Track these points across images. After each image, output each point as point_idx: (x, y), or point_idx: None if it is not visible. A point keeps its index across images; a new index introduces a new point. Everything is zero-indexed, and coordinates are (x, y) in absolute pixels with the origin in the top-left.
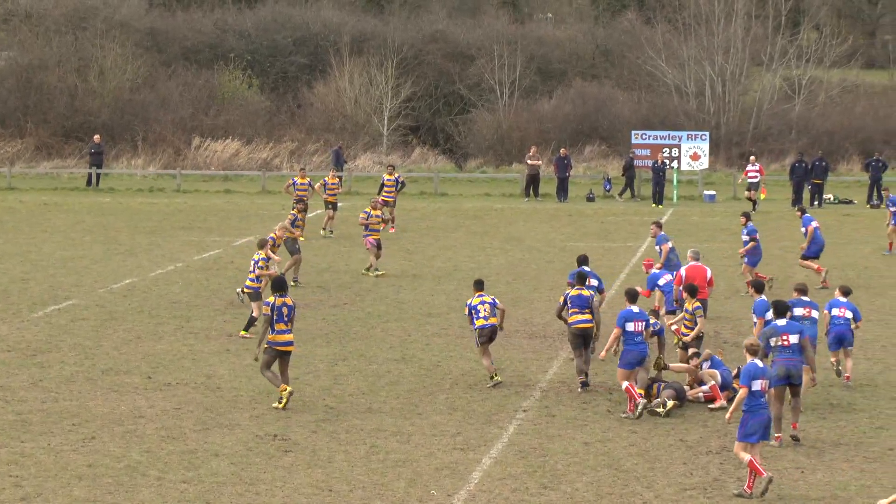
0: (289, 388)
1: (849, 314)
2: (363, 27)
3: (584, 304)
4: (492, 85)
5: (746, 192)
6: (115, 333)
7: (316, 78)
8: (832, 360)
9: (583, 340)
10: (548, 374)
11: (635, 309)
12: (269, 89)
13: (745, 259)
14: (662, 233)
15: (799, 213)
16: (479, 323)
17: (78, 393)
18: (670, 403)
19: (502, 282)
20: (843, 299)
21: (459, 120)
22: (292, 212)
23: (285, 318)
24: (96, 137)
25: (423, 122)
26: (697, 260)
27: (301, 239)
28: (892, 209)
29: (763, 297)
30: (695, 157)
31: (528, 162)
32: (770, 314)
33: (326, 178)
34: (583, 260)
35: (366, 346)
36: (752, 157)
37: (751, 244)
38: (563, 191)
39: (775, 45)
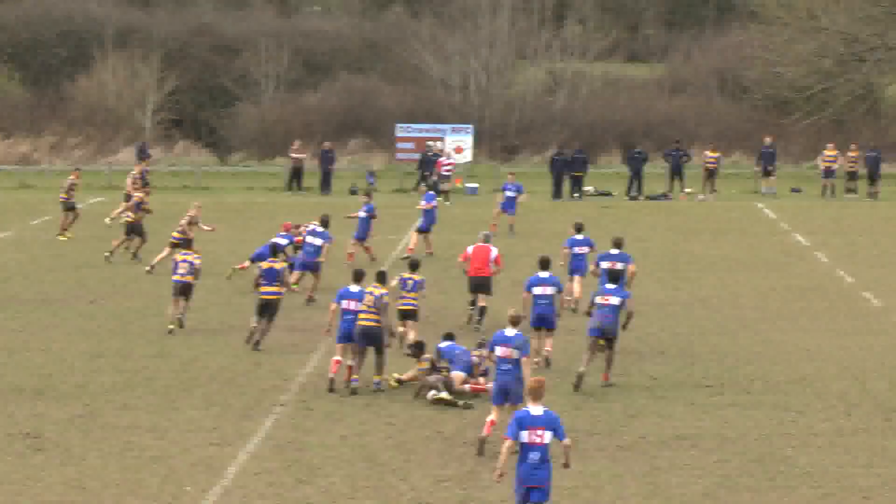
0: None
1: (550, 290)
2: (128, 20)
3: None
4: (257, 78)
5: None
6: None
7: (79, 71)
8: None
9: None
10: (306, 367)
11: (354, 289)
12: (30, 82)
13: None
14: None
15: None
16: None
17: None
18: (445, 394)
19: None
20: (614, 251)
21: (224, 113)
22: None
23: None
24: None
25: (188, 115)
26: (486, 241)
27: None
28: (508, 194)
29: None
30: (458, 150)
31: (292, 155)
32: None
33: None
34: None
35: (123, 341)
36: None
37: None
38: (326, 184)
39: (540, 38)
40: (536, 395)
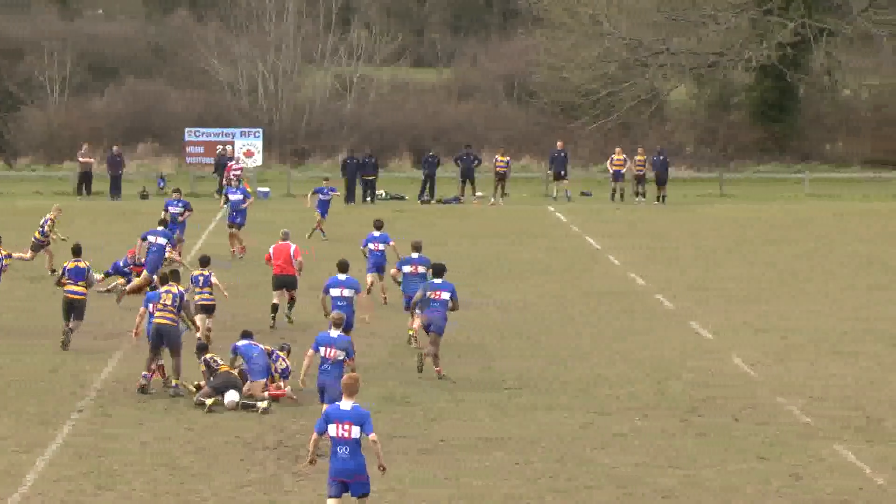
0: None
1: (348, 292)
2: None
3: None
4: (42, 82)
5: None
6: None
7: None
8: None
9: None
10: (102, 373)
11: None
12: None
13: None
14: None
15: None
16: None
17: None
18: (209, 401)
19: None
20: (414, 255)
21: (9, 117)
22: None
23: None
24: None
25: None
26: (286, 239)
27: None
28: (323, 197)
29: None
30: (249, 154)
31: (80, 160)
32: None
33: None
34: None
35: None
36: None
37: None
38: (116, 188)
39: (326, 43)
40: (350, 390)
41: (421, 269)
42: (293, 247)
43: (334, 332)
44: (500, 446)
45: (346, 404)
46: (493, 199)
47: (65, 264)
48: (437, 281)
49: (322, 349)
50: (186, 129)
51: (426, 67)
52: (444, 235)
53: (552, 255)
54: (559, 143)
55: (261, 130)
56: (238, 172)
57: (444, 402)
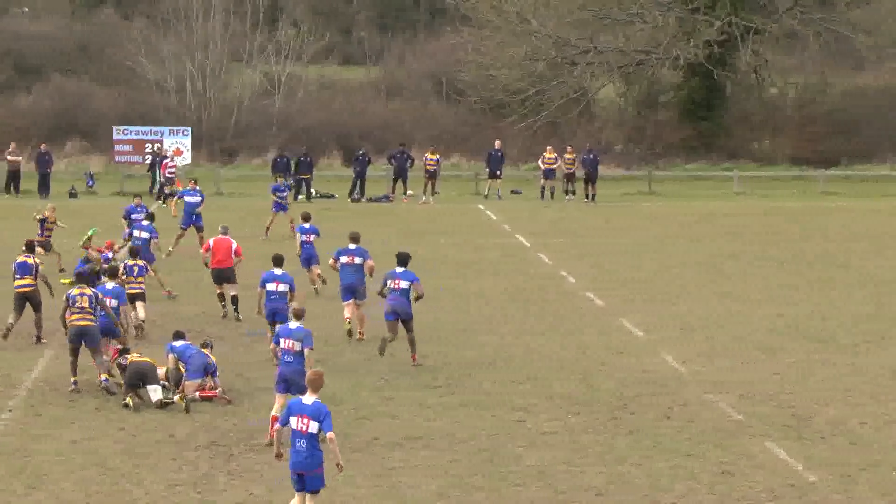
0: None
1: (283, 287)
2: None
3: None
4: None
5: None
6: None
7: None
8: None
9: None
10: (32, 372)
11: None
12: None
13: None
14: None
15: None
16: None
17: None
18: (128, 399)
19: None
20: (352, 246)
21: None
22: None
23: None
24: None
25: None
26: (226, 234)
27: None
28: (279, 196)
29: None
30: (178, 152)
31: (9, 158)
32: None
33: None
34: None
35: None
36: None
37: None
38: (44, 186)
39: (254, 41)
40: (314, 385)
41: (357, 260)
42: (234, 244)
43: (293, 324)
44: (430, 445)
45: (308, 399)
46: (423, 198)
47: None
48: (399, 270)
49: (282, 341)
50: (115, 128)
51: (354, 66)
52: (373, 234)
53: (482, 253)
54: (497, 143)
55: (189, 129)
56: (174, 171)
57: (374, 400)
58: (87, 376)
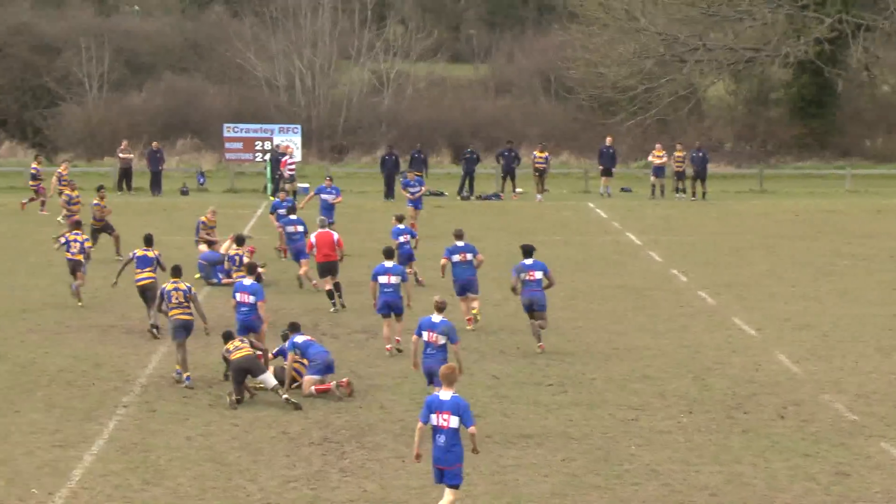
0: None
1: (395, 279)
2: None
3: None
4: (80, 78)
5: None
6: None
7: None
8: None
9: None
10: (147, 368)
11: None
12: None
13: None
14: (398, 225)
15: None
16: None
17: None
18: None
19: (98, 277)
20: (460, 243)
21: (48, 113)
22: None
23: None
24: None
25: (11, 115)
26: (324, 227)
27: None
28: (410, 192)
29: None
30: (288, 149)
31: (120, 156)
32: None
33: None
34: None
35: None
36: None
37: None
38: (156, 184)
39: (362, 38)
40: (448, 380)
41: (468, 257)
42: (336, 236)
43: (436, 317)
44: (543, 443)
45: (445, 394)
46: (538, 197)
47: (134, 251)
48: (528, 261)
49: (424, 334)
50: (225, 125)
51: (462, 63)
52: (483, 231)
53: (593, 251)
54: (608, 139)
55: (299, 126)
56: (293, 168)
57: (487, 398)
58: (199, 373)
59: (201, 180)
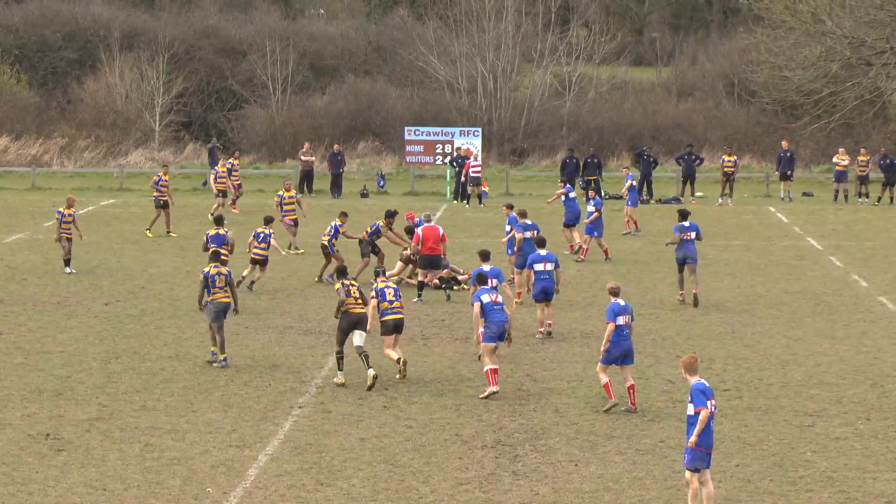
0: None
1: (550, 265)
2: (133, 22)
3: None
4: (264, 81)
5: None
6: None
7: (86, 73)
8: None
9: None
10: (323, 370)
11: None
12: (38, 84)
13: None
14: (513, 214)
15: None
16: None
17: None
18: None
19: (276, 278)
20: (542, 252)
21: (232, 116)
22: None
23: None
24: None
25: (196, 117)
26: (430, 221)
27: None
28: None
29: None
30: (468, 152)
31: (302, 158)
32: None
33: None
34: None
35: (139, 343)
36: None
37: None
38: (336, 187)
39: (545, 42)
40: (691, 369)
41: (549, 266)
42: (441, 230)
43: (621, 301)
44: (718, 448)
45: (692, 381)
46: (719, 201)
47: (208, 232)
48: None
49: (619, 318)
50: (406, 128)
51: (645, 67)
52: (663, 235)
53: (773, 255)
54: (784, 143)
55: (480, 129)
56: (478, 171)
57: (661, 403)
58: (386, 373)
59: (381, 183)
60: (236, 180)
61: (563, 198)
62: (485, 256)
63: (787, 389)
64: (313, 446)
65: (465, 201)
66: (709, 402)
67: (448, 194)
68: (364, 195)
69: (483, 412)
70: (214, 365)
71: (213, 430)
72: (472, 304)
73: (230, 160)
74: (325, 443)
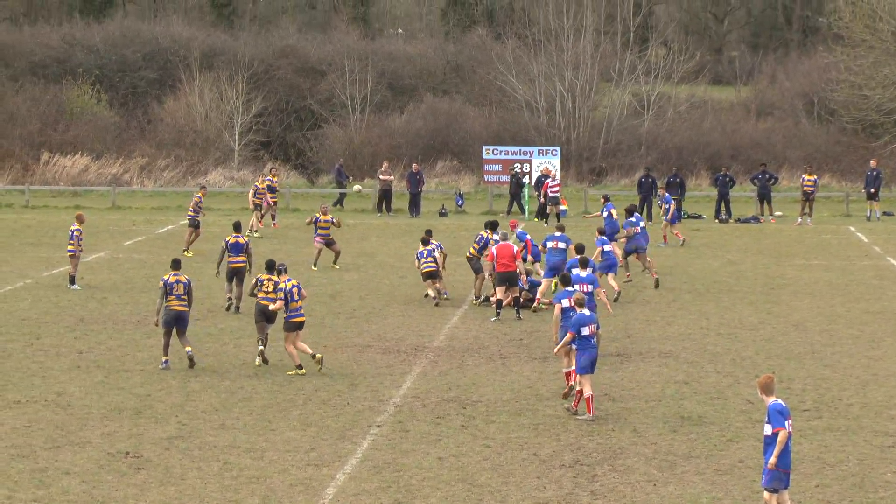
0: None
1: (589, 287)
2: (213, 42)
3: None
4: (343, 100)
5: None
6: None
7: (166, 93)
8: None
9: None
10: (401, 389)
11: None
12: (118, 104)
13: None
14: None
15: (603, 201)
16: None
17: None
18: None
19: (355, 297)
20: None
21: (311, 135)
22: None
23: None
24: None
25: (275, 137)
26: (506, 239)
27: None
28: (665, 206)
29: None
30: (547, 171)
31: (381, 177)
32: None
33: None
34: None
35: (218, 362)
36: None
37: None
38: (415, 206)
39: (624, 61)
40: (767, 389)
41: (561, 245)
42: (515, 247)
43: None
44: (797, 469)
45: (768, 401)
46: (799, 220)
47: (226, 238)
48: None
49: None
50: (484, 147)
51: (724, 85)
52: (740, 254)
53: (851, 275)
54: (872, 162)
55: (558, 149)
56: (557, 190)
57: (741, 422)
58: (453, 393)
59: (460, 202)
60: (273, 197)
61: (603, 212)
62: (584, 264)
63: (867, 410)
64: (391, 465)
65: (544, 220)
66: (786, 423)
67: (525, 212)
68: (443, 214)
69: (561, 432)
70: (160, 368)
71: (292, 449)
72: (554, 305)
73: (269, 177)
74: (403, 462)
